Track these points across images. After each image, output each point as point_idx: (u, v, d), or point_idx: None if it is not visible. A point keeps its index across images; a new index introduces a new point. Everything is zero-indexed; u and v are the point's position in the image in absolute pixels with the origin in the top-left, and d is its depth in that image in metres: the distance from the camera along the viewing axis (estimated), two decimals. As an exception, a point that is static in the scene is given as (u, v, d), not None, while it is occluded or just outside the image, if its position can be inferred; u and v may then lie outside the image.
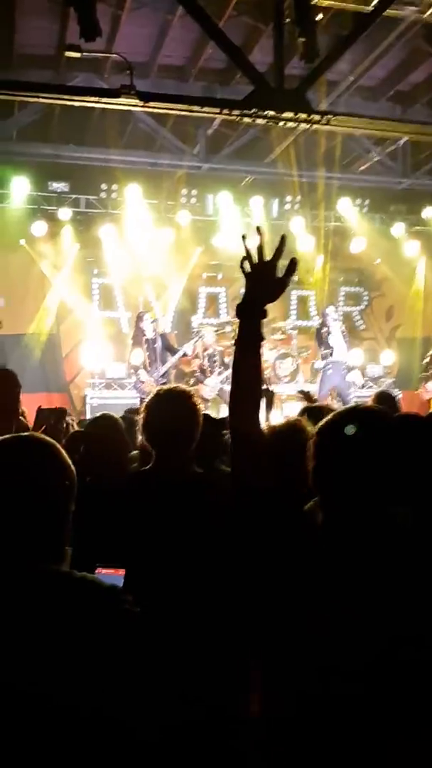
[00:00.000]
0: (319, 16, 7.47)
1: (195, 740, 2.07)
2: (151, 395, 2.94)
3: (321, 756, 1.53)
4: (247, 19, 9.00)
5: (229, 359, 11.89)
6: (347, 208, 13.14)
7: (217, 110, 7.65)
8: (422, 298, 14.15)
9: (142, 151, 11.59)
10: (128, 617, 1.62)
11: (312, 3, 7.36)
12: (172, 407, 2.81)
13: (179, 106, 7.82)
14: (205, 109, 7.83)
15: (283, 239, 2.06)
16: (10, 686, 1.47)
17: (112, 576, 1.90)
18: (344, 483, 1.73)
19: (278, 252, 2.05)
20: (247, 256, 2.05)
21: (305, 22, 7.18)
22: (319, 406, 4.63)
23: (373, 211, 13.53)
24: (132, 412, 5.55)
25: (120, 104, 7.31)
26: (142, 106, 7.48)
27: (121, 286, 12.94)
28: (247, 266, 2.05)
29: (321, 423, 1.81)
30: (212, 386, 11.37)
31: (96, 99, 7.42)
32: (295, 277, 14.40)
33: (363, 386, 12.88)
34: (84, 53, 7.36)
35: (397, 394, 11.14)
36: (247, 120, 7.31)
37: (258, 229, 2.09)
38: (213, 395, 11.34)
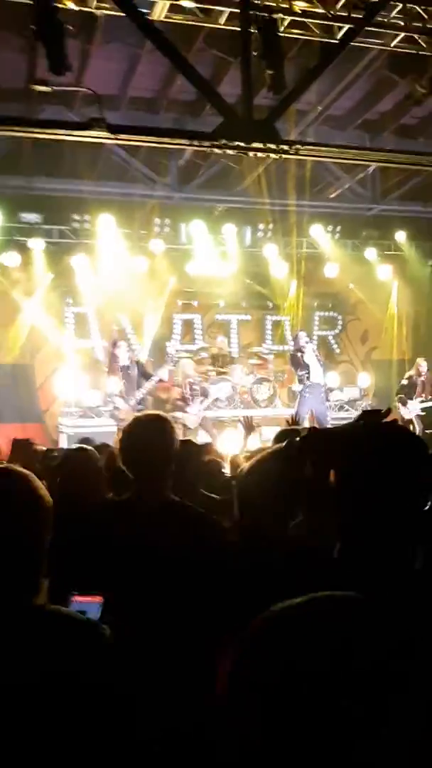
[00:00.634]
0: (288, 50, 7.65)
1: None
2: (129, 421, 2.97)
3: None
4: (216, 52, 9.15)
5: (208, 386, 11.94)
6: (319, 234, 13.33)
7: (187, 141, 7.74)
8: (396, 322, 14.35)
9: (115, 181, 11.67)
10: (104, 651, 1.61)
11: (279, 35, 7.54)
12: (149, 431, 2.83)
13: (149, 138, 7.91)
14: (175, 140, 7.94)
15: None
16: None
17: (89, 603, 1.89)
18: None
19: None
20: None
21: (272, 54, 7.35)
22: (292, 429, 4.67)
23: (345, 237, 13.73)
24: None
25: (90, 137, 7.37)
26: (112, 139, 7.55)
27: (95, 315, 12.96)
28: None
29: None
30: (195, 414, 11.38)
31: (66, 132, 7.48)
32: (270, 303, 14.60)
33: (341, 408, 12.97)
34: (53, 87, 7.44)
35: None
36: (217, 151, 7.41)
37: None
38: (196, 424, 11.34)
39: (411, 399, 12.16)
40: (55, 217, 12.21)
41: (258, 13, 7.33)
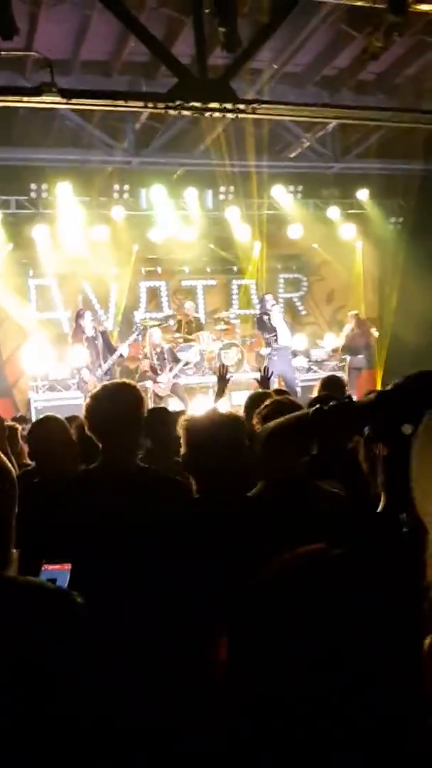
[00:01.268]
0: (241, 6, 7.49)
1: (146, 740, 2.07)
2: (96, 388, 2.96)
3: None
4: (169, 11, 8.96)
5: (178, 352, 11.91)
6: (281, 194, 13.23)
7: (142, 104, 7.59)
8: (362, 280, 14.37)
9: (70, 148, 11.46)
10: (77, 619, 1.60)
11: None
12: (115, 399, 2.82)
13: (103, 101, 7.75)
14: (130, 103, 7.77)
15: None
16: None
17: (58, 571, 1.89)
18: None
19: None
20: None
21: (225, 11, 7.18)
22: (263, 393, 4.70)
23: (307, 197, 13.65)
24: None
25: (42, 102, 7.19)
26: (65, 104, 7.38)
27: (58, 286, 12.79)
28: None
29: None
30: (165, 383, 11.34)
31: (17, 98, 7.29)
32: (234, 267, 14.50)
33: (308, 370, 13.01)
34: (2, 52, 7.23)
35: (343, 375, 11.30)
36: (172, 112, 7.29)
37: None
38: (167, 392, 11.31)
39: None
40: (11, 188, 11.95)
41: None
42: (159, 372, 11.42)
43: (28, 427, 4.29)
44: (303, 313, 14.66)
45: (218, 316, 13.45)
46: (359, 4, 8.46)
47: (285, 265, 14.50)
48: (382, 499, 1.45)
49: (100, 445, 2.79)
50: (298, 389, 11.47)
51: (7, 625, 1.52)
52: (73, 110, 10.07)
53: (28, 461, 3.89)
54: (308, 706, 1.27)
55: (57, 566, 1.90)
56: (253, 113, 7.78)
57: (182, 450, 2.67)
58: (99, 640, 1.59)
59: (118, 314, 13.23)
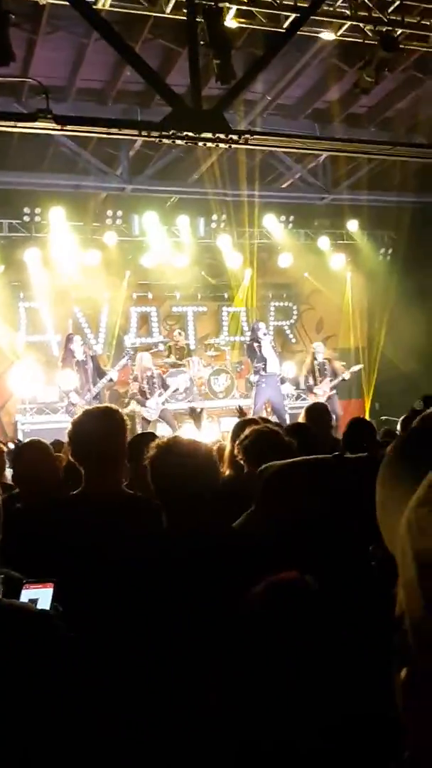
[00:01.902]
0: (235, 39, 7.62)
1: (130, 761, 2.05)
2: (80, 413, 2.94)
3: None
4: (164, 42, 9.09)
5: (166, 378, 11.91)
6: (272, 224, 13.37)
7: (136, 132, 7.68)
8: (351, 310, 14.46)
9: (65, 173, 11.54)
10: (59, 642, 1.60)
11: (224, 25, 7.51)
12: (98, 424, 2.80)
13: (97, 128, 7.82)
14: (124, 131, 7.86)
15: None
16: None
17: (40, 590, 1.88)
18: None
19: None
20: None
21: (219, 44, 7.32)
22: (249, 420, 4.70)
23: (298, 227, 13.81)
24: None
25: (37, 128, 7.26)
26: (59, 130, 7.45)
27: (49, 310, 12.81)
28: None
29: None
30: (154, 408, 11.33)
31: (12, 123, 7.36)
32: (225, 294, 14.56)
33: (298, 397, 13.04)
34: (-2, 78, 7.32)
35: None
36: (166, 141, 7.36)
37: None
38: (155, 417, 11.29)
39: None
40: (4, 211, 12.03)
41: (204, 2, 7.30)
42: (148, 396, 11.40)
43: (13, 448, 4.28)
44: (293, 341, 14.74)
45: (209, 342, 13.50)
46: (351, 40, 8.60)
47: (276, 293, 14.59)
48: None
49: (83, 471, 2.77)
50: (287, 416, 11.49)
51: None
52: (68, 136, 10.16)
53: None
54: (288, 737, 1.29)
55: (39, 585, 1.89)
56: (246, 144, 7.88)
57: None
58: (81, 663, 1.58)
59: (110, 339, 13.24)
